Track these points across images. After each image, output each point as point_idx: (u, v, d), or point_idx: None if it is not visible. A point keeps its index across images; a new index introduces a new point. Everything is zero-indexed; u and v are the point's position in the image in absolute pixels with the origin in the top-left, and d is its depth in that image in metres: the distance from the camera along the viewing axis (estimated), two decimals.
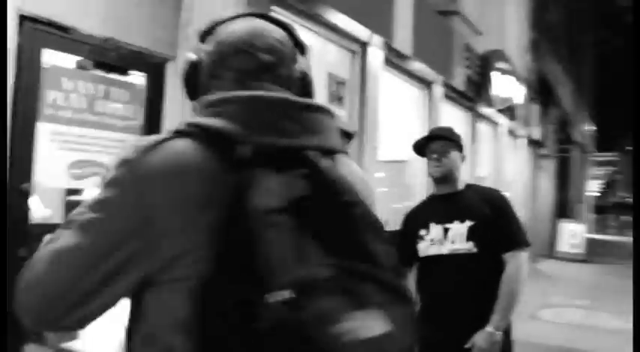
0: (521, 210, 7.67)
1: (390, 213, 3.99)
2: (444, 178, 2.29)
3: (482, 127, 7.60)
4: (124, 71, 2.82)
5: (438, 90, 5.73)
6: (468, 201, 2.25)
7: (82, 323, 0.84)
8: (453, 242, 2.18)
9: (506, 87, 7.21)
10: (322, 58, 3.90)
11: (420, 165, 4.89)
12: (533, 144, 11.04)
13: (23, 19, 2.32)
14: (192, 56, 0.98)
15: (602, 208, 25.99)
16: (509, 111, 7.97)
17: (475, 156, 7.09)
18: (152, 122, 2.92)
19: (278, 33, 0.99)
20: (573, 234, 12.12)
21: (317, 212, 0.80)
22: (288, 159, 0.83)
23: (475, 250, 2.15)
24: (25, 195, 2.36)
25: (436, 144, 2.29)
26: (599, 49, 20.98)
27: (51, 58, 2.45)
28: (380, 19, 4.38)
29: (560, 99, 13.95)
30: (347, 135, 0.98)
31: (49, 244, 0.84)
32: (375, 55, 4.32)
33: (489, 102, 6.97)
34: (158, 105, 2.96)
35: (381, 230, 0.85)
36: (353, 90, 4.20)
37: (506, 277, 2.16)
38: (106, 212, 0.82)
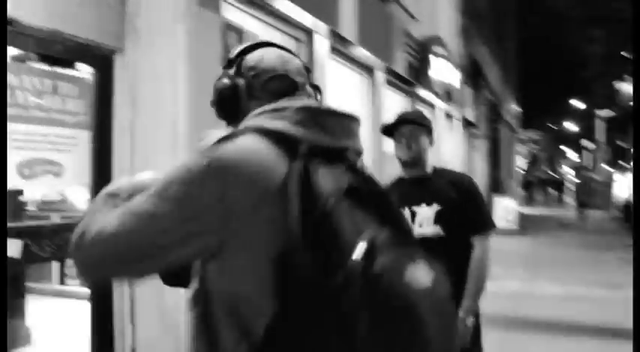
0: None
1: None
2: (413, 162, 2.31)
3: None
4: (71, 65, 2.71)
5: (380, 76, 5.83)
6: (436, 185, 2.28)
7: (139, 275, 1.04)
8: (420, 225, 2.21)
9: (444, 71, 7.44)
10: None
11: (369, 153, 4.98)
12: (467, 125, 11.46)
13: None
14: (226, 82, 1.15)
15: (529, 184, 27.31)
16: (446, 94, 8.22)
17: None
18: (102, 117, 2.82)
19: (295, 57, 1.19)
20: (506, 209, 12.73)
21: (364, 196, 1.01)
22: (334, 156, 1.03)
23: (442, 234, 2.19)
24: None
25: (406, 128, 2.30)
26: (522, 32, 21.90)
27: None
28: (325, 6, 4.41)
29: (490, 81, 14.52)
30: None
31: (122, 207, 0.99)
32: (321, 43, 4.35)
33: (429, 87, 7.17)
34: (107, 99, 2.86)
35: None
36: None
37: (475, 261, 2.21)
38: (187, 186, 0.96)
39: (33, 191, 2.66)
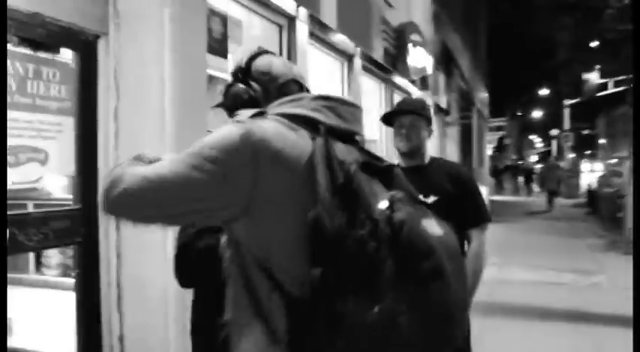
0: None
1: None
2: (411, 153, 2.31)
3: (397, 98, 7.86)
4: (53, 49, 2.64)
5: (358, 62, 5.84)
6: (433, 176, 2.28)
7: (170, 221, 1.23)
8: None
9: (420, 58, 7.49)
10: (252, 33, 3.85)
11: None
12: (440, 112, 11.57)
13: None
14: (243, 87, 1.32)
15: (497, 171, 27.80)
16: (422, 81, 8.29)
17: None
18: (86, 103, 2.76)
19: (291, 62, 1.43)
20: None
21: (375, 170, 1.19)
22: (346, 138, 1.22)
23: None
24: None
25: (406, 118, 2.29)
26: (492, 20, 22.14)
27: None
28: None
29: (461, 68, 14.66)
30: None
31: (161, 163, 1.15)
32: (302, 29, 4.33)
33: (406, 73, 7.22)
34: (91, 85, 2.80)
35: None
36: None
37: (471, 254, 2.22)
38: (222, 151, 1.11)
39: (13, 179, 2.60)
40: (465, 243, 2.30)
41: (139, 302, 2.83)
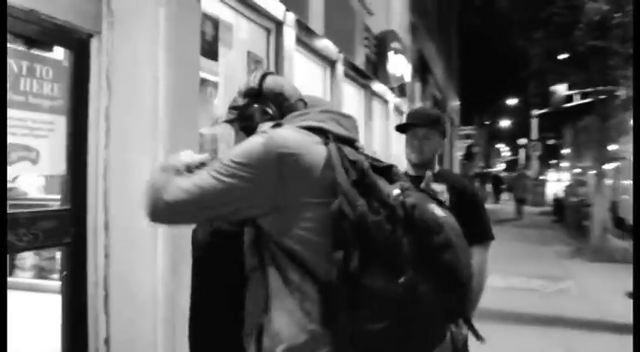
0: None
1: None
2: (421, 165, 2.31)
3: (376, 104, 7.96)
4: (47, 47, 2.61)
5: (340, 68, 5.91)
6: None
7: (212, 219, 1.39)
8: None
9: (399, 66, 7.61)
10: (241, 37, 3.87)
11: None
12: None
13: None
14: (260, 107, 1.50)
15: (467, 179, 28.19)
16: (400, 88, 8.40)
17: (370, 132, 7.44)
18: (77, 102, 2.74)
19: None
20: None
21: (378, 168, 1.38)
22: (348, 143, 1.40)
23: None
24: None
25: (420, 130, 2.28)
26: (465, 31, 22.57)
27: None
28: None
29: (435, 77, 14.91)
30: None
31: (197, 175, 1.32)
32: (289, 34, 4.36)
33: (386, 80, 7.32)
34: (83, 83, 2.78)
35: None
36: (270, 68, 4.22)
37: (474, 271, 2.24)
38: (248, 158, 1.29)
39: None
40: None
41: (126, 303, 2.81)
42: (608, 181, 12.54)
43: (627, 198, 14.11)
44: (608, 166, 13.36)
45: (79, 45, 2.76)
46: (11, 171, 2.41)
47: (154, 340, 2.76)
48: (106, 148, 2.81)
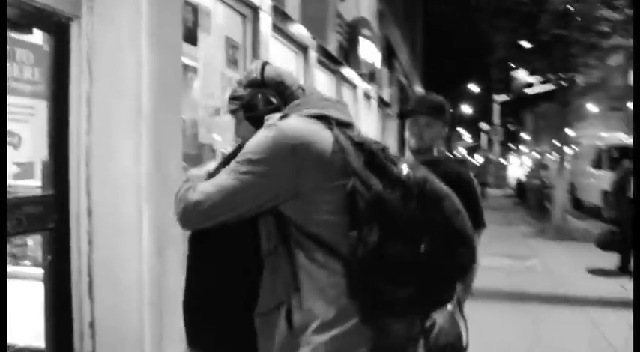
0: None
1: None
2: (421, 151, 2.33)
3: (346, 91, 8.02)
4: (26, 30, 2.57)
5: (313, 55, 5.94)
6: (434, 172, 2.31)
7: (238, 217, 1.41)
8: None
9: (369, 52, 7.68)
10: (219, 22, 3.87)
11: None
12: (383, 105, 11.87)
13: None
14: (264, 97, 1.54)
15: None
16: (370, 75, 8.49)
17: None
18: (59, 86, 2.71)
19: None
20: None
21: (375, 148, 1.43)
22: (348, 126, 1.48)
23: None
24: None
25: (423, 118, 2.29)
26: (430, 18, 22.79)
27: None
28: None
29: (401, 63, 15.07)
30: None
31: (215, 180, 1.40)
32: (265, 20, 4.37)
33: (357, 67, 7.39)
34: (63, 68, 2.75)
35: None
36: (246, 54, 4.23)
37: None
38: (263, 153, 1.36)
39: None
40: None
41: (111, 289, 2.82)
42: (567, 165, 12.97)
43: (585, 181, 14.64)
44: (568, 150, 13.80)
45: (58, 29, 2.72)
46: None
47: (140, 324, 2.78)
48: (87, 133, 2.80)
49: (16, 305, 2.94)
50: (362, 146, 1.39)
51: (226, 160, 1.63)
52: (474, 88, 33.03)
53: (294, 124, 1.40)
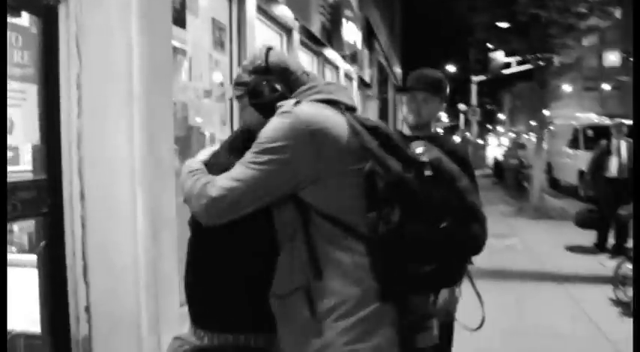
0: None
1: None
2: (418, 127, 2.36)
3: (328, 72, 8.02)
4: (15, 13, 2.52)
5: (297, 36, 5.92)
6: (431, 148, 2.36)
7: (260, 206, 1.42)
8: None
9: (351, 33, 7.67)
10: (205, 4, 3.83)
11: None
12: (363, 86, 11.89)
13: None
14: (270, 84, 1.53)
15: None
16: (352, 56, 8.48)
17: None
18: (49, 70, 2.68)
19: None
20: None
21: (389, 131, 1.49)
22: (353, 110, 1.53)
23: None
24: None
25: (420, 94, 2.31)
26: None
27: None
28: None
29: (381, 43, 15.05)
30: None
31: (232, 173, 1.39)
32: (251, 1, 4.34)
33: (340, 48, 7.38)
34: (52, 51, 2.71)
35: None
36: (232, 36, 4.20)
37: None
38: (280, 141, 1.37)
39: None
40: None
41: (106, 272, 2.82)
42: (545, 144, 13.20)
43: (561, 161, 14.92)
44: (545, 130, 14.00)
45: (46, 11, 2.68)
46: None
47: (136, 307, 2.80)
48: (79, 117, 2.77)
49: (13, 292, 2.93)
50: (376, 130, 1.42)
51: (231, 147, 1.64)
52: (451, 68, 33.16)
53: (310, 110, 1.41)
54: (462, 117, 32.42)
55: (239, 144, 1.59)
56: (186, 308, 1.71)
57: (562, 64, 12.20)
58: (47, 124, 2.67)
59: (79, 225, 2.81)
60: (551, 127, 16.53)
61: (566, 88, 25.36)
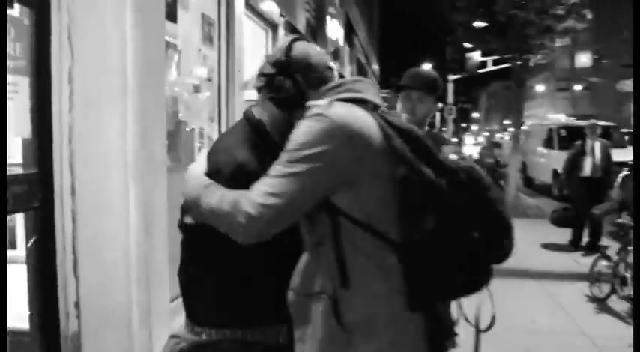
0: None
1: None
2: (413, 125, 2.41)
3: None
4: (8, 4, 2.48)
5: (282, 33, 5.92)
6: None
7: (300, 217, 1.38)
8: None
9: (334, 30, 7.70)
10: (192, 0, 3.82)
11: None
12: None
13: None
14: (287, 81, 1.48)
15: None
16: (334, 52, 8.52)
17: None
18: (41, 62, 2.64)
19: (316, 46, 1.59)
20: None
21: (420, 134, 1.42)
22: (377, 107, 1.44)
23: None
24: None
25: (415, 93, 2.33)
26: None
27: None
28: None
29: (360, 40, 15.12)
30: None
31: (270, 181, 1.31)
32: None
33: (324, 45, 7.40)
34: (45, 43, 2.68)
35: None
36: (221, 31, 4.19)
37: None
38: (315, 147, 1.30)
39: None
40: None
41: (96, 267, 2.81)
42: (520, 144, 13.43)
43: (536, 160, 15.20)
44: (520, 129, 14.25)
45: (39, 2, 2.64)
46: None
47: (127, 301, 2.78)
48: (70, 111, 2.75)
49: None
50: (406, 132, 1.36)
51: (244, 142, 1.55)
52: (427, 66, 33.43)
53: (344, 113, 1.33)
54: (437, 115, 32.74)
55: (254, 137, 1.54)
56: (177, 303, 1.70)
57: (535, 64, 12.46)
58: (39, 117, 2.64)
59: (70, 219, 2.78)
60: (525, 127, 16.81)
61: (539, 87, 25.81)
